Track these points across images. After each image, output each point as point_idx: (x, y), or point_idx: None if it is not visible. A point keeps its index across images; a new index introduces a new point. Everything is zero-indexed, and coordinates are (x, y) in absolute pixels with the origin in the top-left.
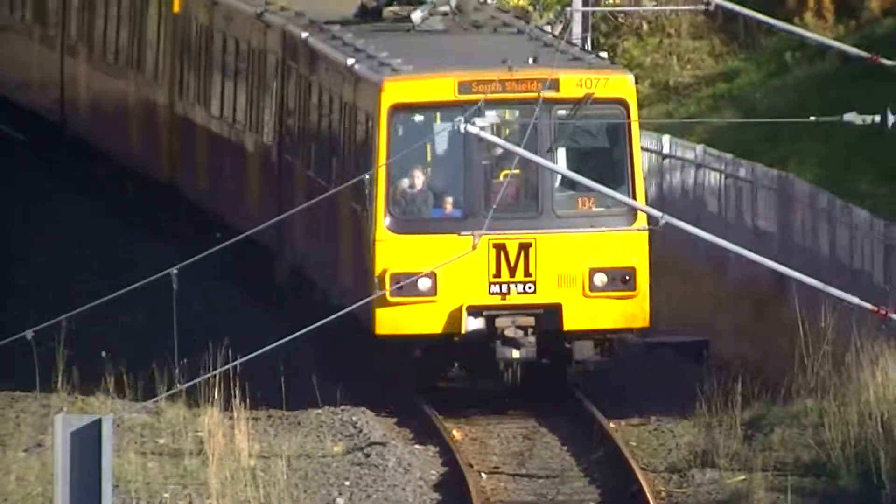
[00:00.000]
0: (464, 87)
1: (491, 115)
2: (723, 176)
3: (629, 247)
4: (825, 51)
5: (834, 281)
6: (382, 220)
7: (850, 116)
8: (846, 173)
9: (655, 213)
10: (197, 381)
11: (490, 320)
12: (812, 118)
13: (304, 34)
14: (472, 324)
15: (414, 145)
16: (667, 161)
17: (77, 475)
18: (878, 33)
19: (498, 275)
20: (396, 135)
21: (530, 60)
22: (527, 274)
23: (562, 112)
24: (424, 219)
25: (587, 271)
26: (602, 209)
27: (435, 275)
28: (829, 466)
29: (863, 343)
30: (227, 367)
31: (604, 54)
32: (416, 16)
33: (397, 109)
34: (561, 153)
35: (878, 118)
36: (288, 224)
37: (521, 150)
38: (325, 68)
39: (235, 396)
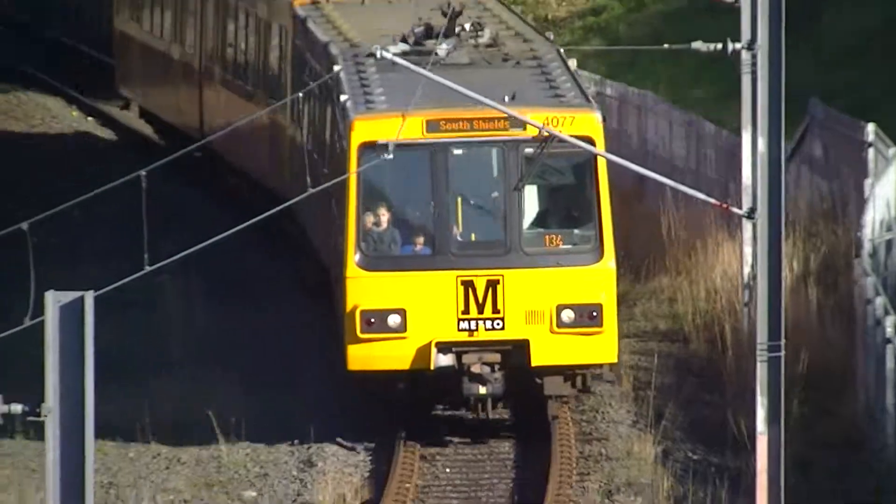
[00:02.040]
0: (431, 126)
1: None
2: (595, 92)
3: (596, 284)
4: None
5: (686, 180)
6: (353, 258)
7: (697, 45)
8: (694, 91)
9: (537, 124)
10: (163, 263)
11: (459, 356)
12: (666, 46)
13: (337, 66)
14: (440, 360)
15: (383, 180)
16: None
17: (65, 344)
18: None
19: (466, 311)
20: (364, 174)
21: (506, 98)
22: (494, 311)
23: (529, 150)
24: (394, 256)
25: (554, 308)
26: (569, 246)
27: (405, 311)
28: (682, 334)
29: (706, 229)
30: (183, 253)
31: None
32: (441, 49)
33: (366, 147)
34: (529, 191)
35: (720, 46)
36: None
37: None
38: (337, 103)
39: None
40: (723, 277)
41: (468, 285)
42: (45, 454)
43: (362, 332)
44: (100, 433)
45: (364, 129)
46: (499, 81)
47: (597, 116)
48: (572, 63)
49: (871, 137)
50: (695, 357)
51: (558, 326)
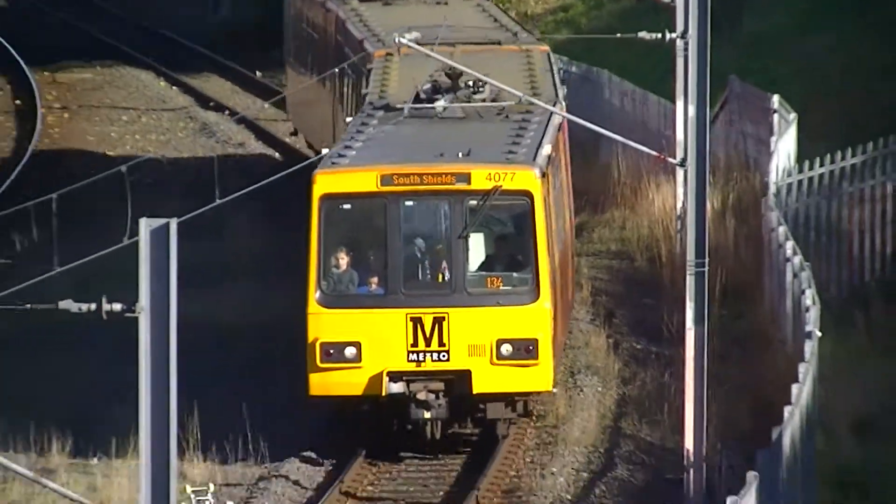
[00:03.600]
0: (385, 180)
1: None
2: (562, 70)
3: (532, 321)
4: None
5: (633, 136)
6: (314, 296)
7: (642, 34)
8: (640, 70)
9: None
10: (230, 197)
11: (408, 384)
12: (618, 35)
13: (349, 119)
14: (392, 387)
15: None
16: None
17: (154, 258)
18: None
19: (415, 344)
20: (326, 220)
21: (459, 154)
22: (440, 344)
23: (472, 202)
24: (351, 295)
25: (494, 342)
26: (509, 288)
27: (360, 344)
28: (629, 254)
29: (647, 175)
30: (245, 190)
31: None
32: (439, 104)
33: (326, 198)
34: (475, 238)
35: (660, 35)
36: None
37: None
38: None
39: None
40: (658, 209)
41: (417, 321)
42: (140, 345)
43: (322, 361)
44: (179, 328)
45: (324, 183)
46: (474, 135)
47: (535, 172)
48: (556, 119)
49: (775, 105)
50: (639, 271)
51: (498, 358)
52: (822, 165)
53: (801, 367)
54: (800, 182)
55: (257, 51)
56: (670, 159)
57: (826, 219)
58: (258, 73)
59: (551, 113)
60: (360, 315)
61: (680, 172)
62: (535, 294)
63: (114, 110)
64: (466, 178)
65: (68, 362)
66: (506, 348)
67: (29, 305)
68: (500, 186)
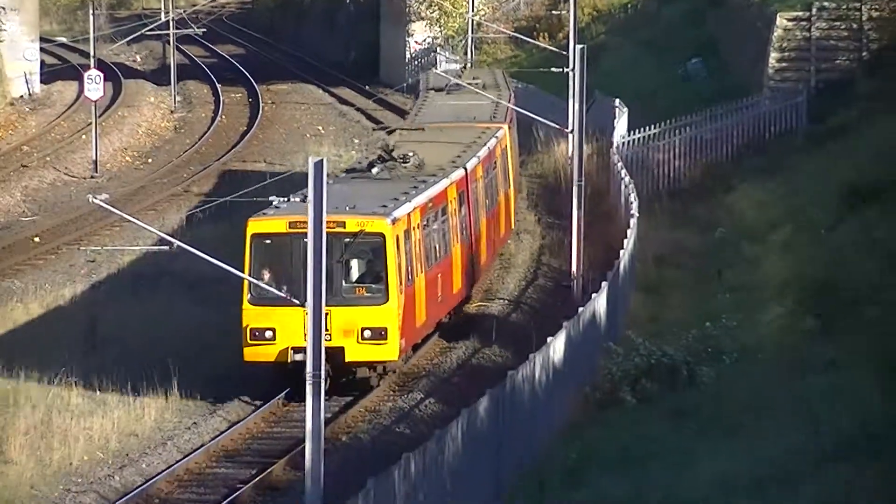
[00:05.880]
0: (291, 224)
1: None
2: (514, 90)
3: (384, 316)
4: (545, 50)
5: (547, 117)
6: (246, 297)
7: (554, 69)
8: (553, 85)
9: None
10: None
11: (304, 355)
12: (541, 69)
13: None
14: (295, 357)
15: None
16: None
17: (315, 174)
18: (561, 44)
19: None
20: (255, 250)
21: (346, 207)
22: (326, 330)
23: (347, 240)
24: (269, 297)
25: (360, 328)
26: (369, 295)
27: (275, 329)
28: (546, 175)
29: (555, 137)
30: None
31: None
32: (374, 170)
33: (255, 236)
34: (350, 262)
35: (562, 69)
36: None
37: None
38: None
39: None
40: (560, 154)
41: None
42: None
43: (250, 340)
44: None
45: (254, 226)
46: (377, 192)
47: (387, 221)
48: (454, 176)
49: (616, 104)
50: (550, 184)
51: (362, 339)
52: (639, 133)
53: (629, 231)
54: (629, 141)
55: (368, 75)
56: (565, 129)
57: (642, 159)
58: (367, 87)
59: (451, 173)
60: (275, 310)
61: (570, 136)
62: (386, 299)
63: (297, 104)
64: (343, 224)
65: None
66: (367, 333)
67: (255, 198)
68: (364, 230)
